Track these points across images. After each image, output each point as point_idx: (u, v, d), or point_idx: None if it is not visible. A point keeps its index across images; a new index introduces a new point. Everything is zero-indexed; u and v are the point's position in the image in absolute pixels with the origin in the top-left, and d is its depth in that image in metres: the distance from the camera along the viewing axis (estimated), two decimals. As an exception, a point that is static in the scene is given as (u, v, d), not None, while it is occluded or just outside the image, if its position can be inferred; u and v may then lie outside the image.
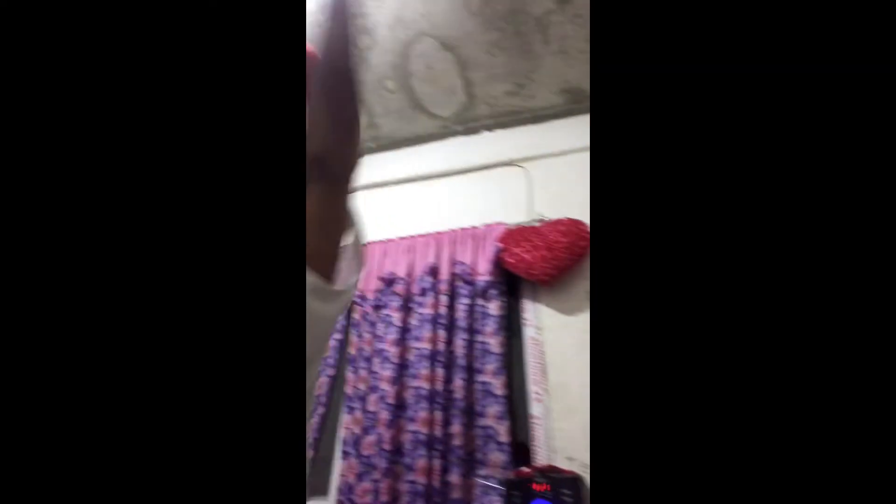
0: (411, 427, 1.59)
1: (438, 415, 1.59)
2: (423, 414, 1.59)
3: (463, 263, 1.83)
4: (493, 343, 1.67)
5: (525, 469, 1.45)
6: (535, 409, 1.61)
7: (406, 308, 1.83)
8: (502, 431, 1.53)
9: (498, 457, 1.51)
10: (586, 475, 1.40)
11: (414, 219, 2.09)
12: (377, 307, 1.88)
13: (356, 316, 1.90)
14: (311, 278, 0.68)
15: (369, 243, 2.06)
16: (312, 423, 1.74)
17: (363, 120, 2.29)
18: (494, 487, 1.46)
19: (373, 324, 1.86)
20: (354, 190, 0.72)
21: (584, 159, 1.93)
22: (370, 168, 2.29)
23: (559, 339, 1.69)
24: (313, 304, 0.67)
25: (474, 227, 1.92)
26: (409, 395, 1.65)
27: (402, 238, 2.02)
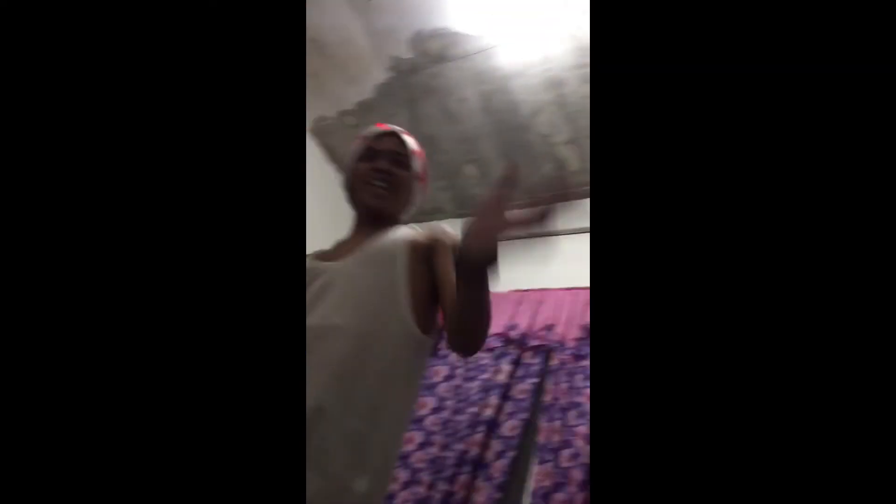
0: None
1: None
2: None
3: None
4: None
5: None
6: None
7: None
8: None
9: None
10: None
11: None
12: (577, 357, 1.81)
13: (554, 363, 1.85)
14: (415, 331, 0.79)
15: (573, 289, 2.01)
16: (501, 464, 1.74)
17: (579, 165, 2.29)
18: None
19: (571, 374, 1.79)
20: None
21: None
22: (583, 213, 2.25)
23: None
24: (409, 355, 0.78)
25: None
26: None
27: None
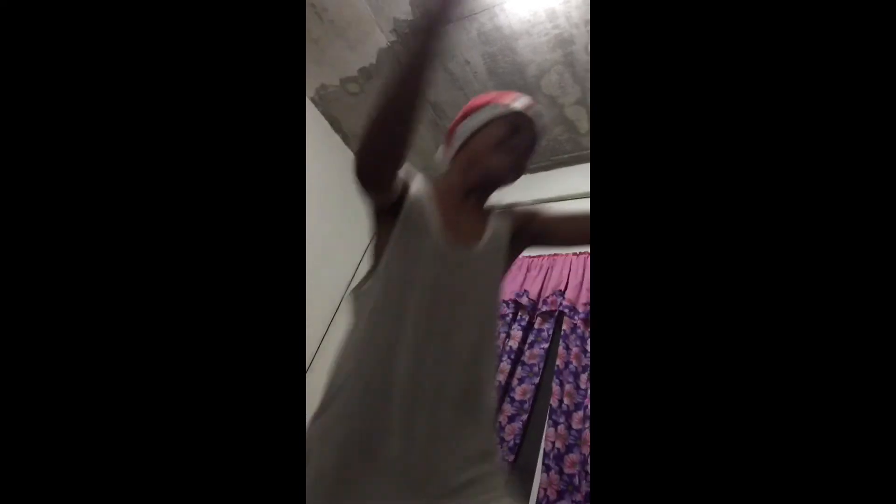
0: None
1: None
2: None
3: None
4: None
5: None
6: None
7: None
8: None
9: None
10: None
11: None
12: (588, 321, 1.81)
13: (566, 328, 1.85)
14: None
15: (582, 254, 1.99)
16: (514, 427, 1.75)
17: (582, 126, 2.23)
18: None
19: (583, 338, 1.79)
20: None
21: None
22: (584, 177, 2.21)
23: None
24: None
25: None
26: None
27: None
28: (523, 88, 2.18)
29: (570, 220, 0.87)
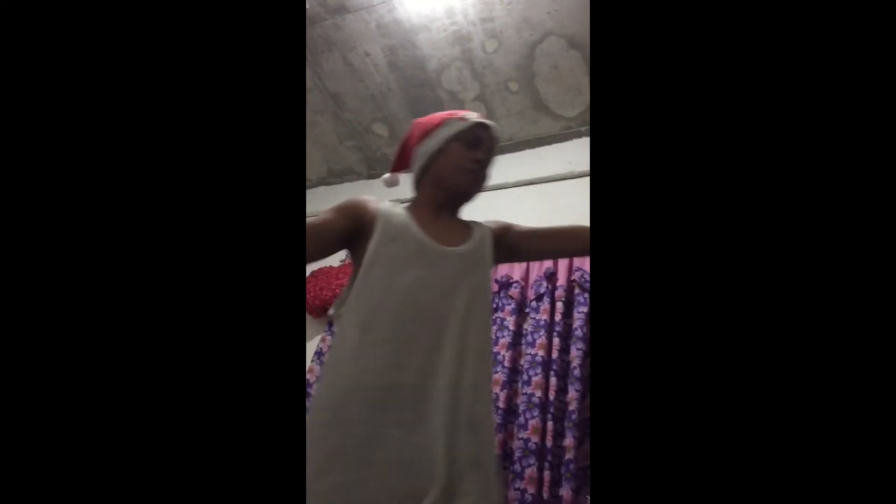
0: (522, 434, 1.56)
1: (551, 425, 1.54)
2: (534, 423, 1.55)
3: (582, 270, 1.76)
4: (613, 356, 1.58)
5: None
6: (656, 431, 1.49)
7: (521, 312, 1.80)
8: (619, 451, 1.44)
9: (613, 477, 1.42)
10: None
11: (534, 222, 2.05)
12: (492, 310, 1.88)
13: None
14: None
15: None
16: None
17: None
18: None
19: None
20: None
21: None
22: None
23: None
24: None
25: (596, 233, 1.83)
26: (520, 402, 1.62)
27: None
28: (425, 83, 2.20)
29: (539, 236, 1.00)
